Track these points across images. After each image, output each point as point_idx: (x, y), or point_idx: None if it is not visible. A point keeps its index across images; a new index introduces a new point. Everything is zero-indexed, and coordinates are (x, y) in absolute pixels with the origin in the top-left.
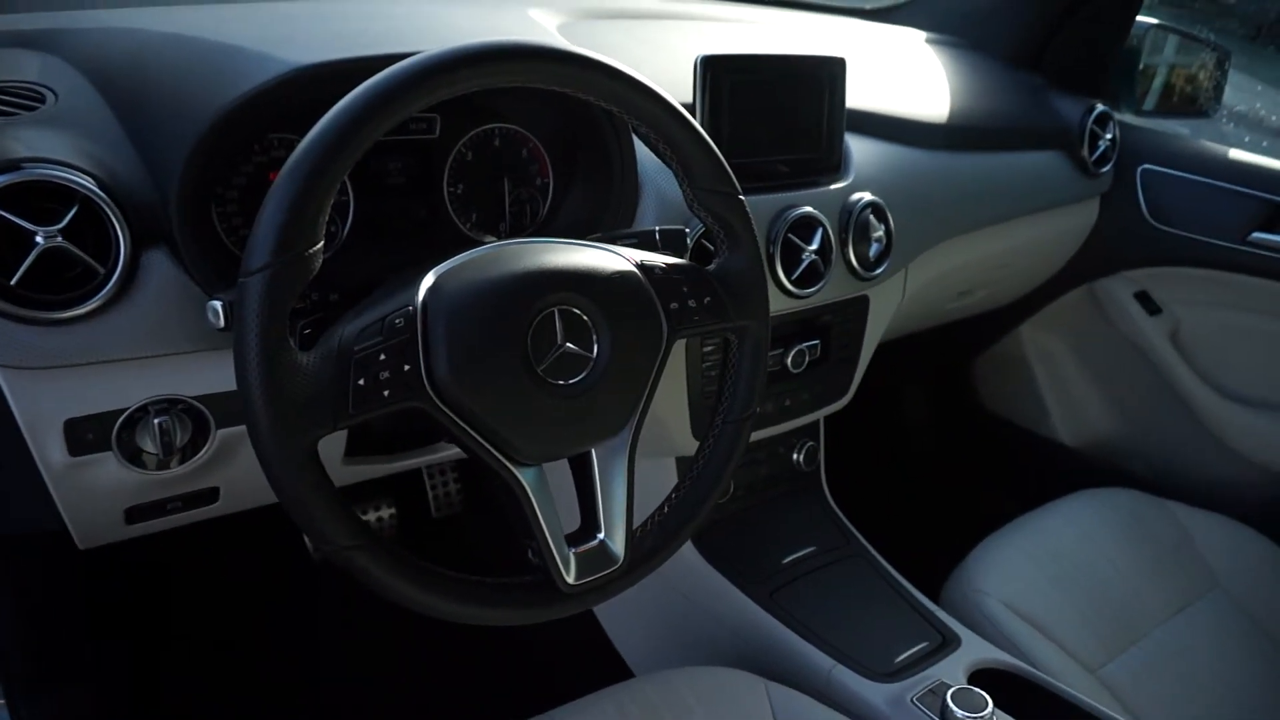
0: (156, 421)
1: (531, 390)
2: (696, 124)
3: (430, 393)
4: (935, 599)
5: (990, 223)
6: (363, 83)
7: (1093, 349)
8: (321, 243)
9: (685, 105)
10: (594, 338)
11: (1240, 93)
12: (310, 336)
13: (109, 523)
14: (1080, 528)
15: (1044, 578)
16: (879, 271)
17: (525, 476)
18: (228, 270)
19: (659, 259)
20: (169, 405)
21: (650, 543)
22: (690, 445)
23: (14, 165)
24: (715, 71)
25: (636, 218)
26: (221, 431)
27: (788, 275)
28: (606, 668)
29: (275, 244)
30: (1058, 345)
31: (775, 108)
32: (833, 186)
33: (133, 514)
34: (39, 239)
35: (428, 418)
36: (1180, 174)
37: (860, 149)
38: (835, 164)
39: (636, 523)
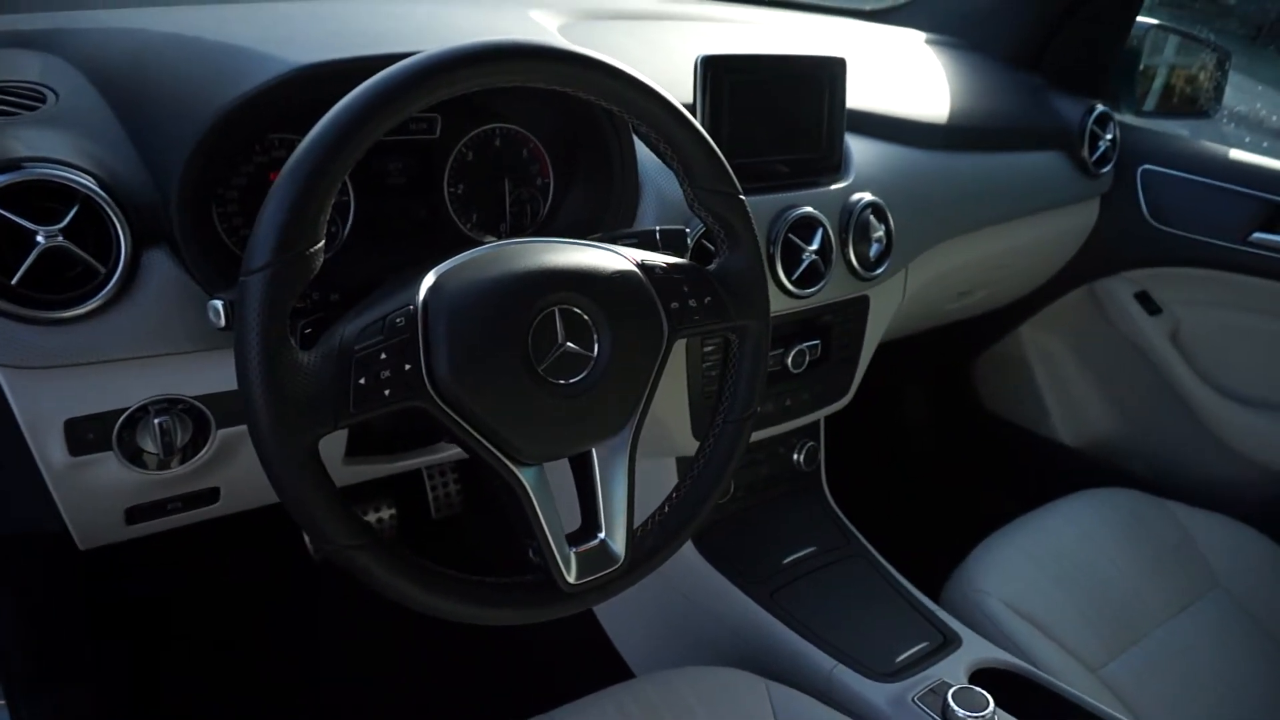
0: (157, 421)
1: (532, 389)
2: (697, 124)
3: (431, 392)
4: (936, 599)
5: (990, 223)
6: (363, 82)
7: (1093, 349)
8: (322, 242)
9: (685, 105)
10: (594, 337)
11: (1240, 93)
12: (311, 336)
13: (109, 523)
14: (1081, 527)
15: (1045, 577)
16: (879, 271)
17: (526, 476)
18: (228, 270)
19: (659, 259)
20: (169, 405)
21: (651, 542)
22: (691, 445)
23: (15, 165)
24: (715, 71)
25: (637, 218)
26: (222, 431)
27: (788, 275)
28: (607, 668)
29: (276, 243)
30: (1058, 345)
31: (775, 108)
32: (833, 187)
33: (133, 514)
34: (40, 238)
35: (428, 417)
36: (1181, 174)
37: (860, 149)
38: (835, 164)
39: (637, 522)
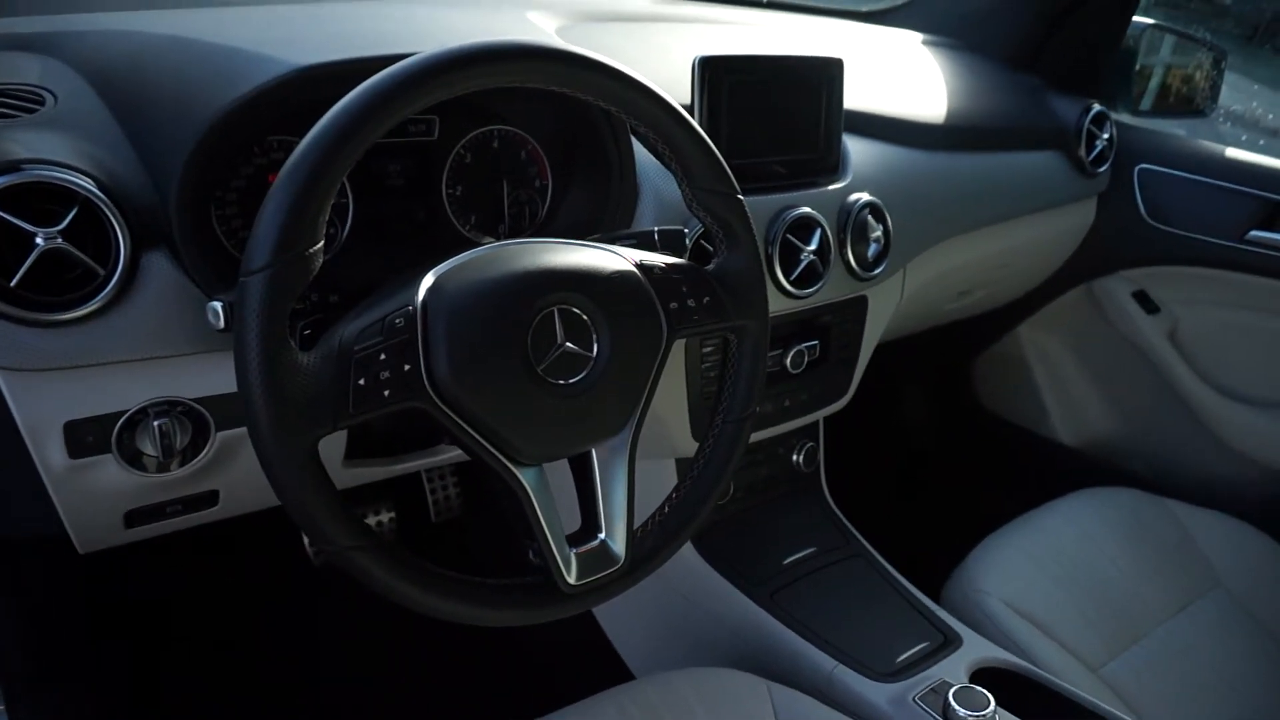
0: (156, 424)
1: (532, 390)
2: (695, 124)
3: (430, 392)
4: (936, 599)
5: (988, 223)
6: (362, 84)
7: (1091, 348)
8: (321, 243)
9: (683, 106)
10: (594, 337)
11: (1236, 93)
12: (310, 337)
13: (108, 526)
14: (1081, 527)
15: (1045, 577)
16: (877, 272)
17: (526, 477)
18: (227, 272)
19: (658, 259)
20: (169, 407)
21: (651, 543)
22: (690, 446)
23: (14, 166)
24: (713, 72)
25: (635, 219)
26: (221, 434)
27: (786, 275)
28: (607, 670)
29: (275, 244)
30: (1056, 345)
31: (773, 108)
32: (831, 187)
33: (132, 517)
34: (39, 240)
35: (428, 418)
36: (1177, 173)
37: (858, 150)
38: (833, 165)
39: (637, 523)
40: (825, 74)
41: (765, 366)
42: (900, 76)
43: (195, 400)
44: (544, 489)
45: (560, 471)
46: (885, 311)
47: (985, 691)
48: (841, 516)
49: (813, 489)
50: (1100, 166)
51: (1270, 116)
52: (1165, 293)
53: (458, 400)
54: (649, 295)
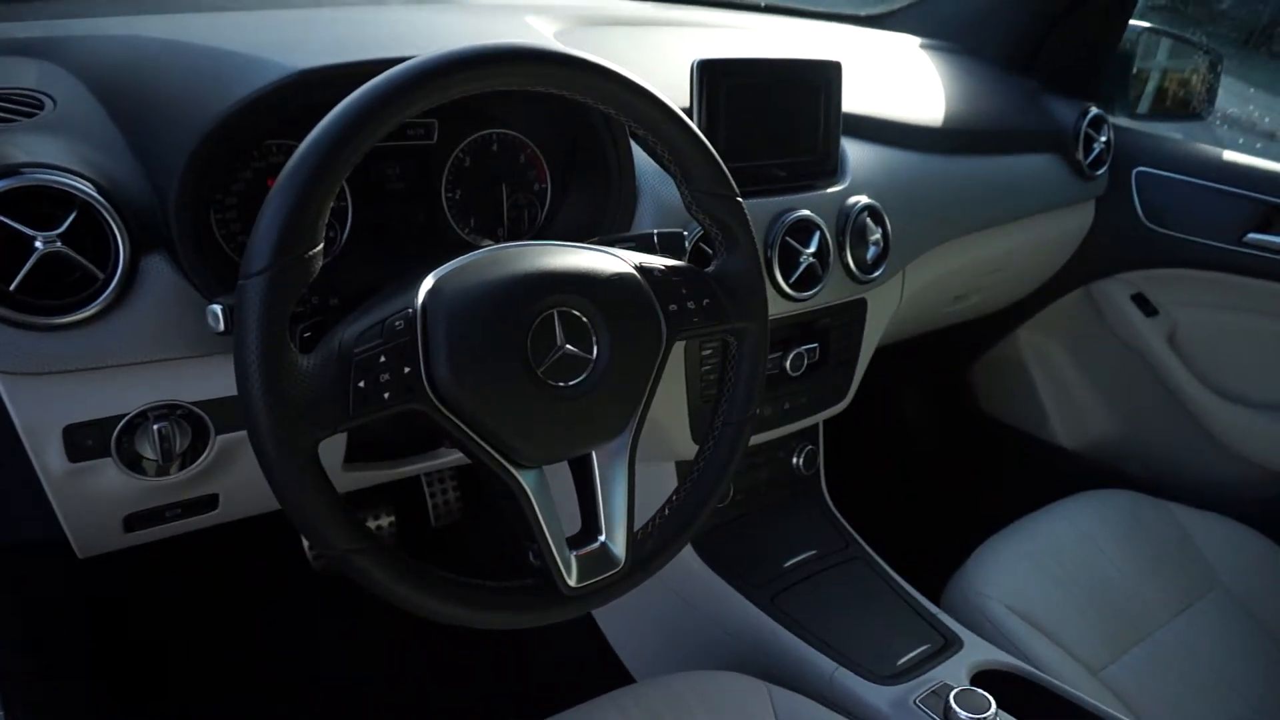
0: (156, 427)
1: (532, 392)
2: (694, 127)
3: (430, 395)
4: (936, 601)
5: (986, 225)
6: (361, 86)
7: (1090, 351)
8: (321, 246)
9: (682, 109)
10: (593, 339)
11: (1233, 97)
12: (310, 340)
13: (108, 530)
14: (1080, 529)
15: (1045, 579)
16: (876, 274)
17: (526, 479)
18: (226, 276)
19: (658, 261)
20: (168, 411)
21: (651, 545)
22: (690, 449)
23: (13, 170)
24: (712, 75)
25: (634, 222)
26: (221, 437)
27: (785, 278)
28: (607, 673)
29: (275, 246)
30: (1055, 348)
31: (772, 111)
32: (829, 190)
33: (131, 521)
34: (38, 244)
35: (428, 420)
36: (1175, 176)
37: (856, 153)
38: (832, 168)
39: (637, 525)
40: (824, 77)
41: (765, 369)
42: (898, 80)
43: (195, 404)
44: (544, 491)
45: (560, 474)
46: (884, 314)
47: (986, 694)
48: (841, 519)
49: (813, 492)
50: (1098, 169)
51: (1267, 120)
52: (1164, 295)
53: (458, 402)
54: (648, 297)
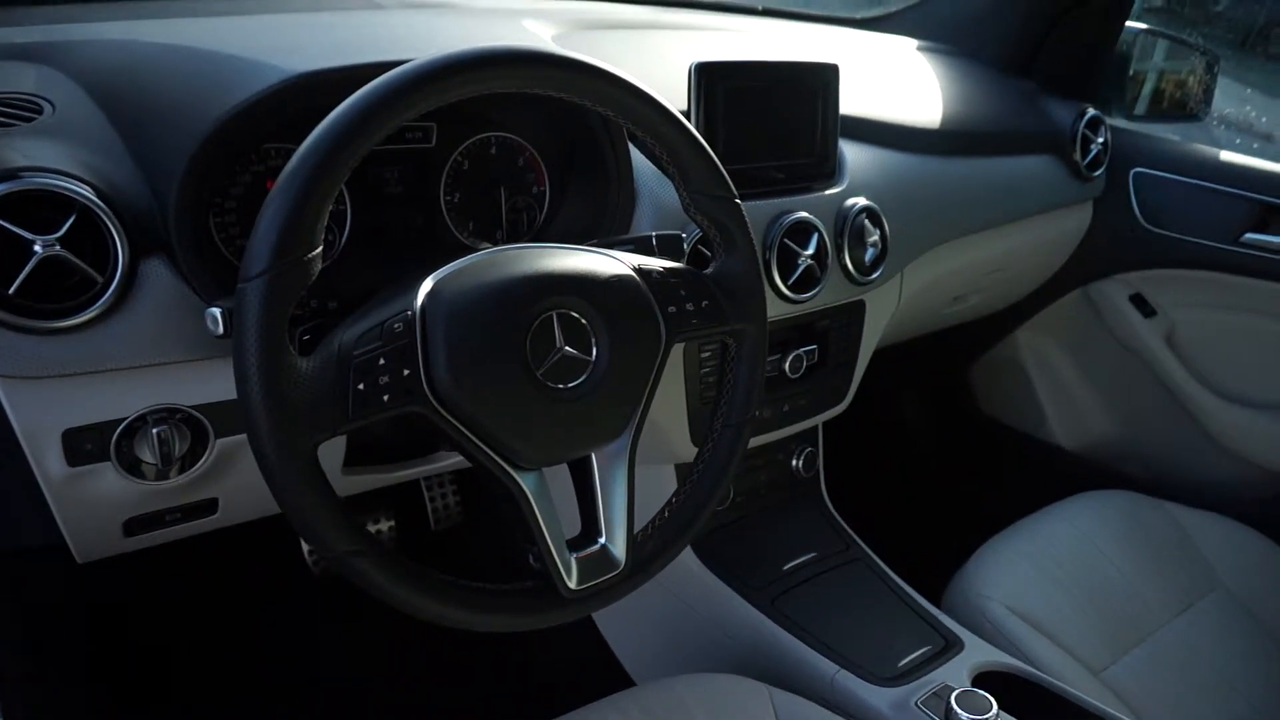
0: (155, 431)
1: (531, 394)
2: (692, 129)
3: (430, 397)
4: (937, 603)
5: (984, 227)
6: (359, 90)
7: (1089, 352)
8: (320, 248)
9: (680, 112)
10: (592, 341)
11: (1229, 98)
12: (309, 343)
13: (107, 535)
14: (1080, 530)
15: (1046, 580)
16: (875, 276)
17: (526, 481)
18: (226, 279)
19: (656, 263)
20: (168, 414)
21: (651, 547)
22: (689, 452)
23: (12, 174)
24: (710, 78)
25: (633, 225)
26: (220, 441)
27: (784, 280)
28: (607, 676)
29: (274, 249)
30: (1054, 349)
31: (770, 114)
32: (828, 192)
33: (131, 526)
34: (37, 248)
35: (427, 422)
36: (1172, 176)
37: (854, 155)
38: (830, 170)
39: (637, 527)
40: (821, 79)
41: (764, 370)
42: (896, 82)
43: (194, 407)
44: (544, 494)
45: (560, 476)
46: (883, 315)
47: (987, 695)
48: (841, 521)
49: (812, 494)
50: (1095, 170)
51: (1263, 120)
52: (1162, 296)
53: (457, 404)
54: (647, 299)
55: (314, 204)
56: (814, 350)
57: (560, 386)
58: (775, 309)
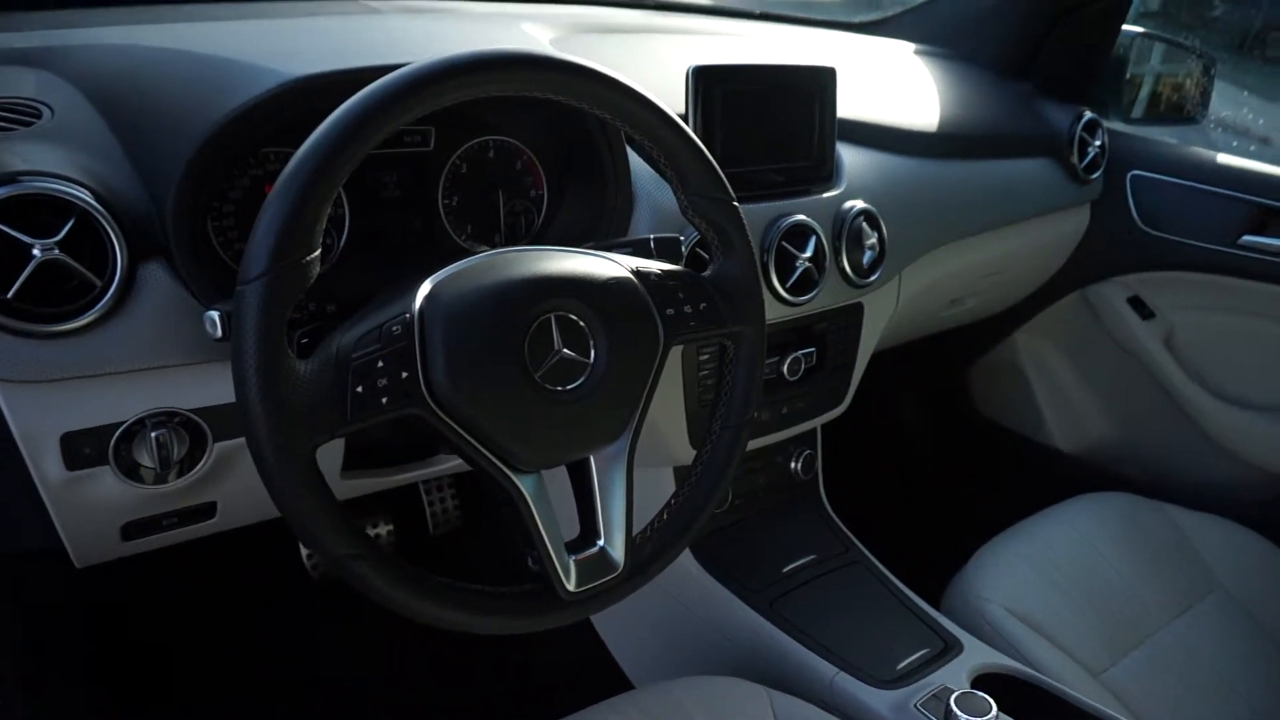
0: (154, 435)
1: (529, 396)
2: (690, 131)
3: (428, 399)
4: (936, 605)
5: (982, 229)
6: (357, 93)
7: (1087, 354)
8: (318, 251)
9: (678, 115)
10: (590, 343)
11: (1226, 101)
12: (308, 346)
13: (106, 539)
14: (1079, 532)
15: (1045, 582)
16: (873, 279)
17: (524, 484)
18: (224, 283)
19: (654, 265)
20: (166, 418)
21: (650, 549)
22: (688, 454)
23: (11, 178)
24: (707, 81)
25: (631, 228)
26: (219, 445)
27: (782, 283)
28: (606, 679)
29: (272, 252)
30: (1052, 351)
31: (767, 117)
32: (825, 195)
33: (129, 530)
34: (36, 251)
35: (426, 425)
36: (1170, 179)
37: (852, 158)
38: (827, 173)
39: (636, 530)
40: (818, 82)
41: (762, 372)
42: (893, 85)
43: (192, 411)
44: (542, 496)
45: (559, 479)
46: (881, 318)
47: (987, 697)
48: (840, 524)
49: (811, 496)
50: (1093, 173)
51: (1261, 123)
52: (1160, 298)
53: (455, 407)
54: (645, 301)
55: (312, 207)
56: (812, 353)
57: (559, 389)
58: (773, 311)
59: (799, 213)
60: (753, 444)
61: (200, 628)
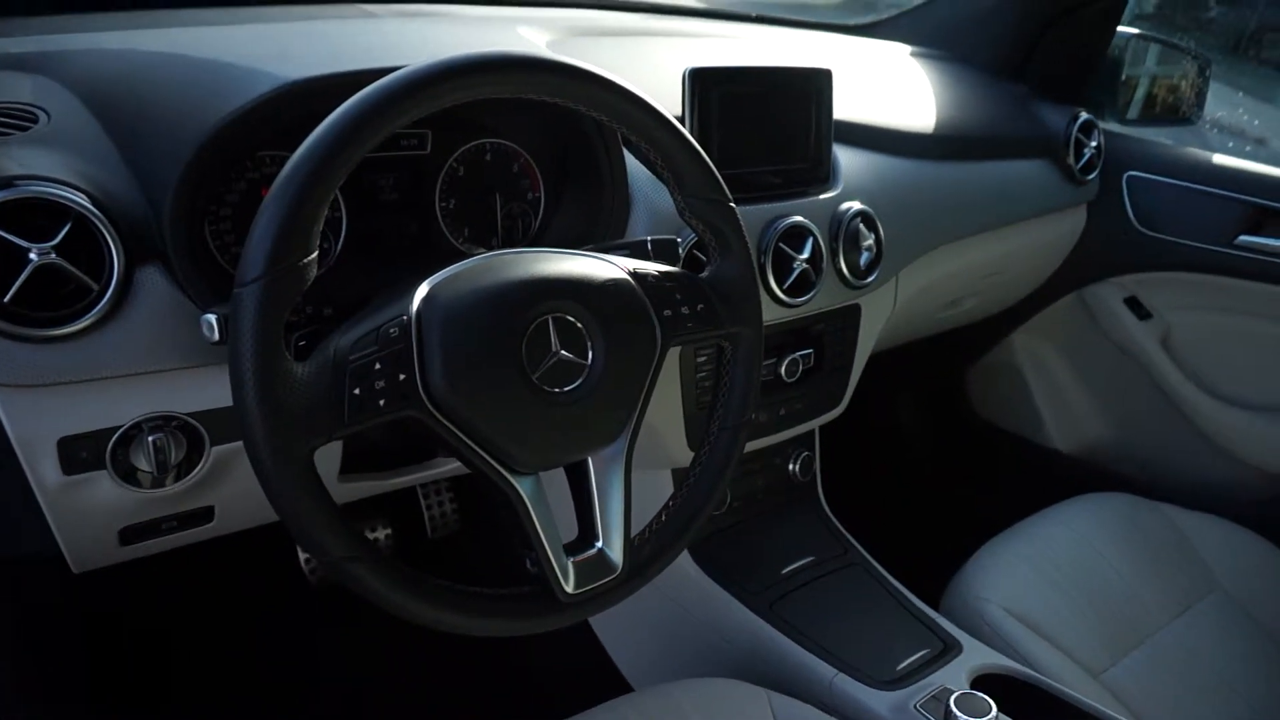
0: (151, 439)
1: (527, 398)
2: (687, 133)
3: (426, 401)
4: (935, 606)
5: (979, 230)
6: (353, 96)
7: (1084, 355)
8: (315, 253)
9: (675, 117)
10: (588, 345)
11: (1221, 102)
12: (305, 349)
13: (103, 544)
14: (1078, 533)
15: (1044, 583)
16: (870, 280)
17: (523, 486)
18: (221, 287)
19: (652, 267)
20: (163, 422)
21: (648, 550)
22: (686, 456)
23: (7, 182)
24: (704, 83)
25: (628, 230)
26: (216, 448)
27: (779, 284)
28: (605, 682)
29: (269, 254)
30: (1050, 352)
31: (764, 119)
32: (822, 196)
33: (127, 534)
34: (33, 255)
35: (423, 427)
36: (1166, 180)
37: (849, 159)
38: (824, 174)
39: (634, 531)
40: (815, 84)
41: (760, 374)
42: (889, 87)
43: (189, 415)
44: (540, 498)
45: (557, 480)
46: (878, 319)
47: (986, 698)
48: (839, 525)
49: (809, 498)
50: (1089, 174)
51: (1256, 124)
52: (1157, 299)
53: (453, 409)
54: (642, 303)
55: (309, 209)
56: (810, 354)
57: (556, 390)
58: (771, 313)
59: (796, 214)
60: (751, 445)
61: (198, 632)
